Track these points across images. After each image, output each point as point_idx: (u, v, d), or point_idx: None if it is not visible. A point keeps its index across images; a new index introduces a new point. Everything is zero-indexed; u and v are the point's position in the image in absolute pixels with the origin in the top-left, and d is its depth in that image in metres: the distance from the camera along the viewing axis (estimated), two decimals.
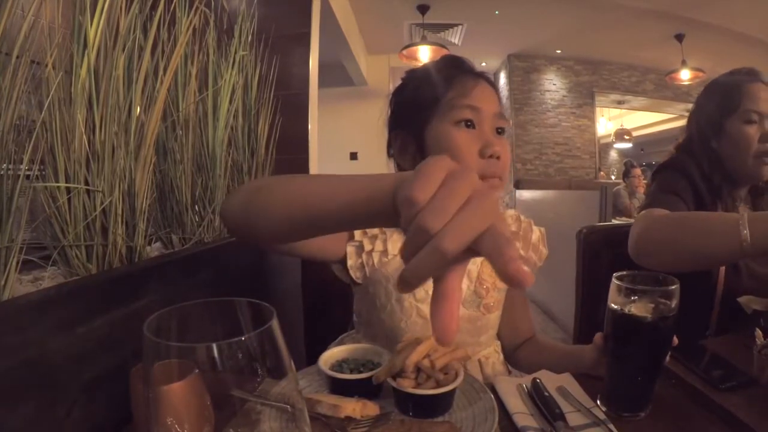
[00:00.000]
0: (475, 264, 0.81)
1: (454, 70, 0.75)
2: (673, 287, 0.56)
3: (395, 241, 0.75)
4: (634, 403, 0.58)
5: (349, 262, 0.75)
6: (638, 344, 0.56)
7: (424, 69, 0.79)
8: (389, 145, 0.81)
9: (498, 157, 0.69)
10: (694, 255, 0.80)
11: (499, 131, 0.73)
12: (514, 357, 0.88)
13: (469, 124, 0.70)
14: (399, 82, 0.83)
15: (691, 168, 1.01)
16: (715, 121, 1.03)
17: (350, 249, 0.75)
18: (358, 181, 0.43)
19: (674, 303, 0.55)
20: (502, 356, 0.87)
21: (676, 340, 0.58)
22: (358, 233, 0.75)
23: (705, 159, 1.02)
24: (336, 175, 0.49)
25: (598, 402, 0.59)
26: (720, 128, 1.02)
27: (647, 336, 0.56)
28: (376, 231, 0.76)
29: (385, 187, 0.38)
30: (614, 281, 0.58)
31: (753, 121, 0.98)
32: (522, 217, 0.86)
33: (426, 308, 0.75)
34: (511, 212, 0.87)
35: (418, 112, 0.74)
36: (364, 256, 0.75)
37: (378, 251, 0.75)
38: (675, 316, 0.55)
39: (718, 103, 1.03)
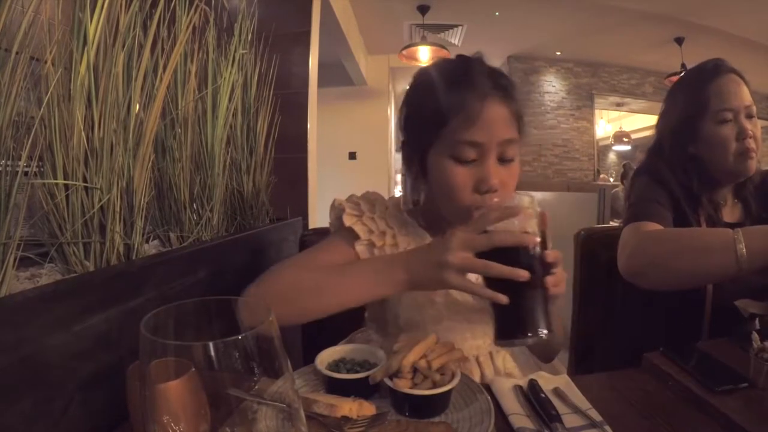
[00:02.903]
0: None
1: (462, 89, 0.66)
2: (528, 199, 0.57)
3: (403, 236, 0.76)
4: (521, 325, 0.55)
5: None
6: (505, 262, 0.54)
7: (432, 79, 0.71)
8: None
9: (495, 191, 0.66)
10: (691, 273, 0.79)
11: (503, 161, 0.68)
12: None
13: (470, 161, 0.67)
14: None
15: (667, 175, 0.97)
16: (688, 124, 0.97)
17: (360, 248, 0.75)
18: (369, 276, 0.64)
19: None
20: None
21: (551, 256, 0.56)
22: (363, 232, 0.74)
23: (680, 165, 0.97)
24: (349, 269, 0.67)
25: (496, 340, 0.57)
26: (695, 132, 0.96)
27: (510, 256, 0.54)
28: (383, 227, 0.75)
29: (399, 281, 0.62)
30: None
31: (726, 120, 0.92)
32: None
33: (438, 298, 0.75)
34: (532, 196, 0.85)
35: (421, 133, 0.71)
36: (375, 251, 0.75)
37: (389, 245, 0.75)
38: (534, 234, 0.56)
39: (687, 105, 0.97)
